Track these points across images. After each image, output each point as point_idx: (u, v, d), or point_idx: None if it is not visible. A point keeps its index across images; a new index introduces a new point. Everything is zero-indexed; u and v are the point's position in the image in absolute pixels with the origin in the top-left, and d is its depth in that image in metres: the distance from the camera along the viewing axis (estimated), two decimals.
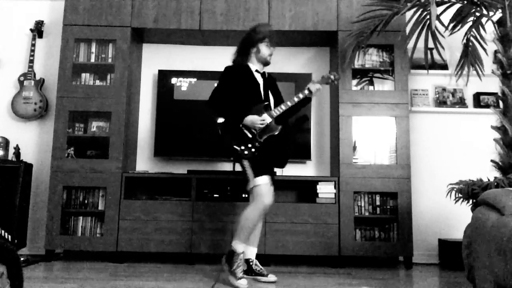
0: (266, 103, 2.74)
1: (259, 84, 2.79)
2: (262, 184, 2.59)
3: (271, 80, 2.92)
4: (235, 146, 2.63)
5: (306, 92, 2.77)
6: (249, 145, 2.62)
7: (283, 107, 2.72)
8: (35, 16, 3.85)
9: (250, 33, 2.86)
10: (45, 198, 3.54)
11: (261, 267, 2.74)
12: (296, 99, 2.74)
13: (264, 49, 2.82)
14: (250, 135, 2.65)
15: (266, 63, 2.86)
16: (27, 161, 3.49)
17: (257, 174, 2.60)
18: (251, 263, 2.75)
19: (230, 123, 2.70)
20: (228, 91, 2.73)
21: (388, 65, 3.54)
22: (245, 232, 2.58)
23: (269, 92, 2.84)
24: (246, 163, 2.63)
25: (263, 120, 2.65)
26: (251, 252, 2.78)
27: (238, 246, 2.58)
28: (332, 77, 2.87)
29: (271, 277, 2.67)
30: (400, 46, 3.45)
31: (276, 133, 2.69)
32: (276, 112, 2.71)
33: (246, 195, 3.32)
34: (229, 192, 3.35)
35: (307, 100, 2.84)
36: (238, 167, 2.81)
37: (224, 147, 2.69)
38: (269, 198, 2.60)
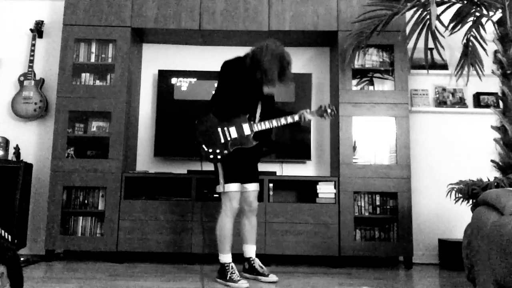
0: (247, 115, 2.67)
1: (253, 92, 2.70)
2: (230, 191, 2.62)
3: (266, 96, 2.77)
4: (203, 146, 2.63)
5: (296, 118, 2.69)
6: (217, 151, 2.61)
7: (267, 124, 2.67)
8: (35, 16, 3.85)
9: (261, 56, 2.59)
10: (45, 198, 3.53)
11: (262, 266, 2.74)
12: (283, 121, 2.68)
13: (271, 82, 2.63)
14: (223, 140, 2.62)
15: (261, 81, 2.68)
16: (27, 161, 3.49)
17: (226, 180, 2.62)
18: (252, 262, 2.75)
19: (211, 122, 2.64)
20: (225, 92, 2.66)
21: (388, 65, 3.54)
22: (225, 242, 2.64)
23: (259, 101, 2.76)
24: (219, 166, 2.65)
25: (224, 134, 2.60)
26: (250, 250, 2.78)
27: (224, 258, 2.64)
28: (329, 111, 2.73)
29: (272, 277, 2.66)
30: (400, 46, 3.45)
31: (249, 146, 2.66)
32: (258, 127, 2.67)
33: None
34: None
35: (297, 124, 2.75)
36: (205, 167, 2.81)
37: (194, 144, 2.67)
38: (235, 203, 2.64)
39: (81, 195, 3.38)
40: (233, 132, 2.64)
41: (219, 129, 2.64)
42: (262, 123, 2.68)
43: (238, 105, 2.67)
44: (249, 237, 2.78)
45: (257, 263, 2.74)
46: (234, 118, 2.65)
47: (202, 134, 2.65)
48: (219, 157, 2.61)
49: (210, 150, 2.61)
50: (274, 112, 2.80)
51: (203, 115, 2.70)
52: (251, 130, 2.66)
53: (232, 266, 2.61)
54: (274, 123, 2.67)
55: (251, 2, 3.53)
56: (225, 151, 2.61)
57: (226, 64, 2.72)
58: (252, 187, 2.75)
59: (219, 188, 2.65)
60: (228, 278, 2.55)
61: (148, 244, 3.23)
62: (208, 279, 2.72)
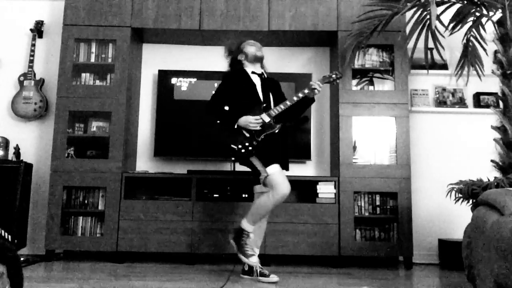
0: (264, 104, 2.73)
1: (255, 85, 2.78)
2: (275, 173, 2.58)
3: (272, 82, 2.92)
4: (232, 145, 2.64)
5: (306, 90, 2.75)
6: (247, 144, 2.62)
7: (282, 106, 2.71)
8: (35, 16, 3.85)
9: (232, 49, 2.93)
10: (45, 198, 3.53)
11: (262, 267, 2.73)
12: (295, 98, 2.72)
13: (249, 49, 2.84)
14: (247, 134, 2.65)
15: (258, 59, 2.84)
16: (27, 161, 3.49)
17: (266, 164, 2.60)
18: None
19: (226, 124, 2.70)
20: (225, 97, 2.76)
21: (388, 65, 3.54)
22: (256, 216, 2.62)
23: (270, 93, 2.83)
24: (253, 158, 2.64)
25: (257, 120, 2.64)
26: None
27: (247, 225, 2.63)
28: (333, 76, 2.85)
29: (273, 278, 2.66)
30: (400, 46, 3.45)
31: (276, 131, 2.68)
32: (275, 111, 2.70)
33: (246, 195, 3.32)
34: (229, 192, 3.35)
35: (309, 101, 2.82)
36: (238, 167, 2.82)
37: (225, 147, 2.70)
38: (285, 186, 2.58)
39: (81, 195, 3.38)
40: None
41: (239, 128, 2.67)
42: (277, 107, 2.71)
43: (249, 102, 2.72)
44: (255, 240, 2.77)
45: (258, 265, 2.74)
46: (251, 112, 2.68)
47: (230, 136, 2.67)
48: (250, 148, 2.61)
49: (240, 146, 2.62)
50: (283, 98, 2.87)
51: (215, 115, 2.75)
52: (270, 116, 2.69)
53: (250, 236, 2.61)
54: (288, 102, 2.71)
55: (251, 2, 3.53)
56: (254, 142, 2.62)
57: (227, 75, 2.85)
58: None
59: (262, 175, 2.61)
60: (242, 248, 2.59)
61: (148, 244, 3.23)
62: (212, 279, 2.72)
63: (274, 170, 2.59)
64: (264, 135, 2.66)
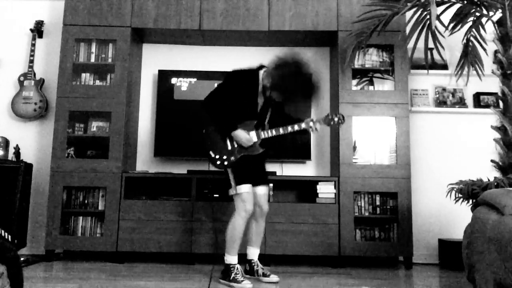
0: (254, 122, 2.68)
1: (257, 98, 2.70)
2: (243, 192, 2.60)
3: (276, 102, 2.76)
4: (210, 152, 2.64)
5: (303, 126, 2.69)
6: (224, 157, 2.62)
7: (274, 132, 2.67)
8: (35, 16, 3.85)
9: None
10: (45, 198, 3.53)
11: (263, 267, 2.74)
12: (290, 129, 2.67)
13: (277, 95, 2.67)
14: (230, 147, 2.64)
15: (269, 98, 2.72)
16: (27, 161, 3.49)
17: (238, 182, 2.61)
18: (253, 264, 2.75)
19: (217, 128, 2.66)
20: (226, 97, 2.64)
21: (388, 65, 3.54)
22: (234, 243, 2.61)
23: (268, 109, 2.76)
24: (229, 171, 2.64)
25: (249, 141, 2.62)
26: (254, 253, 2.78)
27: (230, 259, 2.62)
28: (336, 119, 2.76)
29: (274, 278, 2.67)
30: (400, 46, 3.45)
31: (255, 153, 2.67)
32: (264, 134, 2.67)
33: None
34: None
35: (303, 131, 2.75)
36: (208, 167, 2.81)
37: (203, 148, 2.70)
38: (250, 205, 2.61)
39: (81, 195, 3.38)
40: None
41: (227, 137, 2.65)
42: (269, 131, 2.68)
43: (245, 113, 2.68)
44: (254, 239, 2.77)
45: (259, 265, 2.75)
46: (242, 125, 2.64)
47: (210, 140, 2.66)
48: (226, 163, 2.62)
49: (217, 157, 2.63)
50: (284, 119, 2.79)
51: (209, 121, 2.69)
52: (258, 137, 2.67)
53: (237, 267, 2.60)
54: (281, 131, 2.67)
55: (251, 2, 3.53)
56: (232, 158, 2.62)
57: (235, 74, 2.70)
58: (262, 190, 2.75)
59: (232, 191, 2.64)
60: (231, 278, 2.54)
61: (148, 244, 3.23)
62: (209, 279, 2.72)
63: (242, 190, 2.60)
64: (244, 154, 2.64)
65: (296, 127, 2.69)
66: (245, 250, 2.80)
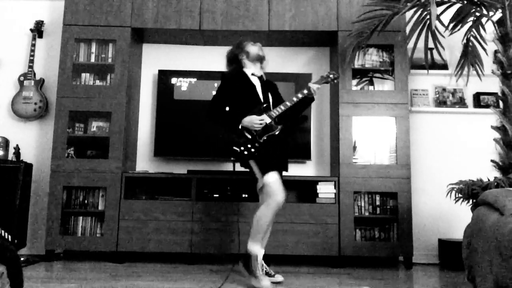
0: (265, 105, 2.73)
1: (255, 86, 2.77)
2: (272, 181, 2.57)
3: (270, 84, 2.91)
4: (234, 148, 2.63)
5: (305, 91, 2.74)
6: (249, 146, 2.61)
7: (282, 107, 2.70)
8: (35, 16, 3.85)
9: (233, 46, 2.90)
10: (45, 198, 3.53)
11: (267, 267, 2.72)
12: (295, 99, 2.72)
13: (251, 48, 2.83)
14: (249, 136, 2.63)
15: (260, 58, 2.84)
16: (27, 161, 3.49)
17: (264, 172, 2.59)
18: None
19: (229, 126, 2.69)
20: (224, 99, 2.73)
21: (388, 65, 3.54)
22: (260, 232, 2.57)
23: (269, 94, 2.83)
24: (252, 163, 2.63)
25: (262, 120, 2.63)
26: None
27: (253, 247, 2.57)
28: (331, 76, 2.86)
29: (278, 277, 2.66)
30: (400, 46, 3.45)
31: (276, 132, 2.68)
32: (275, 112, 2.69)
33: (247, 195, 3.32)
34: (229, 192, 3.35)
35: (309, 100, 2.81)
36: (238, 167, 2.81)
37: (226, 149, 2.70)
38: (281, 194, 2.57)
39: (81, 195, 3.38)
40: None
41: (242, 129, 2.65)
42: (278, 108, 2.71)
43: (249, 103, 2.71)
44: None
45: (263, 265, 2.73)
46: (251, 113, 2.67)
47: (231, 138, 2.66)
48: (253, 150, 2.60)
49: (242, 148, 2.61)
50: (282, 100, 2.87)
51: (216, 118, 2.73)
52: (271, 117, 2.68)
53: (257, 259, 2.55)
54: (288, 103, 2.72)
55: (251, 2, 3.53)
56: (256, 144, 2.61)
57: (225, 76, 2.82)
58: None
59: (259, 184, 2.63)
60: (252, 269, 2.51)
61: (148, 244, 3.23)
62: (212, 279, 2.72)
63: (271, 180, 2.57)
64: (266, 136, 2.65)
65: (299, 95, 2.74)
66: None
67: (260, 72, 2.86)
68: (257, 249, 2.56)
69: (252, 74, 2.81)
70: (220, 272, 2.95)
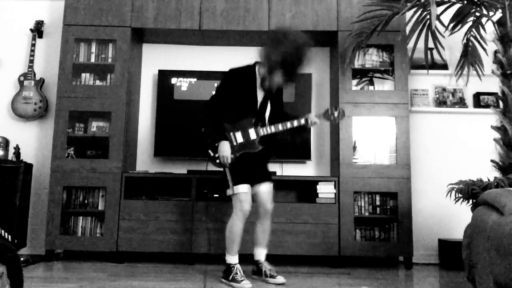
0: (253, 119, 2.66)
1: (256, 94, 2.69)
2: (240, 193, 2.59)
3: (275, 98, 2.79)
4: (209, 151, 2.65)
5: (302, 121, 2.68)
6: None
7: (273, 129, 2.66)
8: (35, 16, 3.85)
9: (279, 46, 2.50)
10: (45, 198, 3.53)
11: (270, 268, 2.72)
12: (289, 125, 2.66)
13: (276, 75, 2.59)
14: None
15: (272, 87, 2.67)
16: (27, 161, 3.49)
17: (235, 182, 2.60)
18: (259, 265, 2.75)
19: (212, 131, 2.66)
20: (226, 96, 2.67)
21: (388, 65, 3.54)
22: (232, 243, 2.62)
23: (268, 103, 2.76)
24: (226, 170, 2.64)
25: (227, 159, 2.58)
26: (260, 253, 2.76)
27: (230, 259, 2.63)
28: (335, 113, 2.75)
29: (280, 279, 2.65)
30: (400, 46, 3.45)
31: (255, 151, 2.66)
32: (263, 131, 2.66)
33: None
34: None
35: (303, 128, 2.74)
36: (210, 167, 2.81)
37: (203, 147, 2.71)
38: (247, 205, 2.60)
39: (81, 195, 3.38)
40: (239, 137, 2.66)
41: (226, 135, 2.64)
42: (268, 127, 2.67)
43: (244, 110, 2.68)
44: (260, 240, 2.76)
45: (265, 265, 2.73)
46: (241, 122, 2.65)
47: (210, 141, 2.66)
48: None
49: (217, 156, 2.63)
50: (282, 116, 2.76)
51: (207, 118, 2.69)
52: (257, 135, 2.66)
53: (237, 267, 2.60)
54: (280, 127, 2.67)
55: (251, 2, 3.53)
56: (231, 155, 2.61)
57: (232, 72, 2.70)
58: (264, 188, 2.71)
59: (229, 191, 2.64)
60: (231, 278, 2.55)
61: (148, 244, 3.23)
62: (211, 279, 2.72)
63: (240, 191, 2.59)
64: (243, 152, 2.64)
65: (295, 123, 2.68)
66: (249, 250, 2.80)
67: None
68: (233, 259, 2.63)
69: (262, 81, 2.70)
70: (220, 272, 2.95)
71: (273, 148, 2.86)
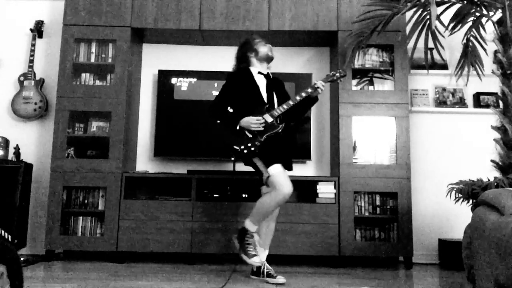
0: (267, 105, 2.72)
1: (259, 87, 2.77)
2: (276, 173, 2.57)
3: (276, 82, 2.91)
4: (235, 147, 2.63)
5: (309, 90, 2.73)
6: (249, 144, 2.61)
7: (285, 106, 2.70)
8: (35, 16, 3.85)
9: (243, 43, 2.90)
10: (45, 198, 3.53)
11: (270, 268, 2.72)
12: (298, 98, 2.71)
13: (261, 48, 2.83)
14: (250, 135, 2.64)
15: (269, 59, 2.86)
16: (27, 161, 3.49)
17: (268, 164, 2.59)
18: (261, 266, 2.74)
19: (229, 126, 2.70)
20: (228, 98, 2.75)
21: (388, 65, 3.54)
22: (259, 216, 2.59)
23: (274, 93, 2.82)
24: (255, 160, 2.63)
25: (259, 120, 2.63)
26: (262, 255, 2.75)
27: (249, 225, 2.60)
28: (337, 74, 2.84)
29: (280, 279, 2.65)
30: (400, 46, 3.45)
31: (279, 130, 2.67)
32: (277, 111, 2.69)
33: (247, 195, 3.32)
34: (229, 192, 3.35)
35: (312, 100, 2.81)
36: (238, 167, 2.81)
37: (228, 147, 2.70)
38: (287, 186, 2.56)
39: (81, 195, 3.38)
40: None
41: (242, 128, 2.66)
42: (280, 107, 2.70)
43: (252, 103, 2.72)
44: (263, 241, 2.75)
45: (266, 266, 2.73)
46: (254, 113, 2.67)
47: (232, 137, 2.67)
48: (253, 148, 2.60)
49: (242, 147, 2.62)
50: (287, 98, 2.84)
51: (217, 114, 2.74)
52: (273, 116, 2.68)
53: (253, 235, 2.59)
54: (291, 102, 2.71)
55: (251, 2, 3.53)
56: (257, 143, 2.61)
57: (231, 75, 2.83)
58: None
59: (264, 176, 2.60)
60: (245, 245, 2.57)
61: (148, 244, 3.23)
62: (209, 279, 2.72)
63: (275, 171, 2.57)
64: (267, 135, 2.65)
65: (303, 94, 2.72)
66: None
67: (267, 70, 2.86)
68: (253, 228, 2.60)
69: (259, 73, 2.81)
70: (220, 272, 2.95)
71: (295, 122, 2.99)
